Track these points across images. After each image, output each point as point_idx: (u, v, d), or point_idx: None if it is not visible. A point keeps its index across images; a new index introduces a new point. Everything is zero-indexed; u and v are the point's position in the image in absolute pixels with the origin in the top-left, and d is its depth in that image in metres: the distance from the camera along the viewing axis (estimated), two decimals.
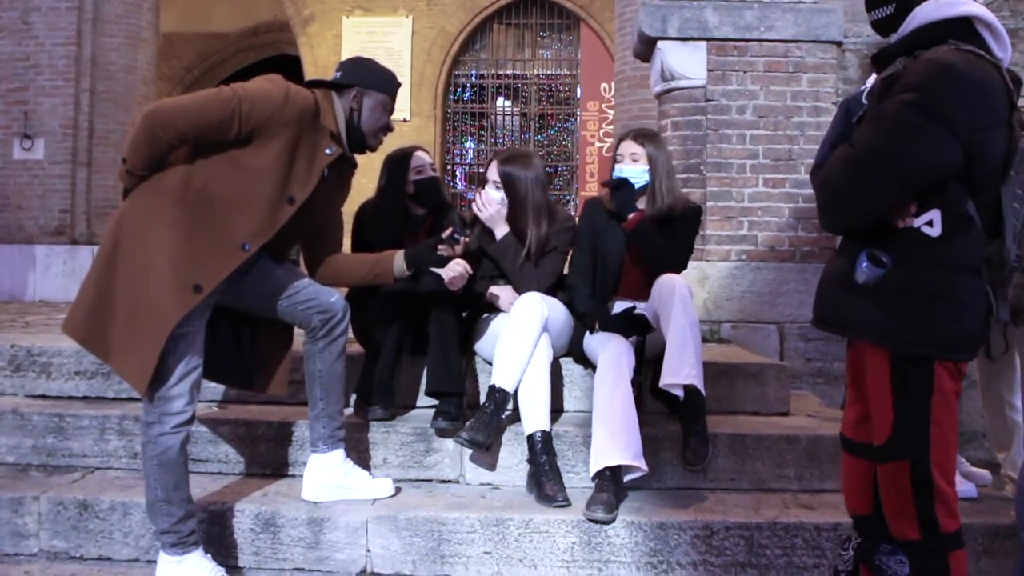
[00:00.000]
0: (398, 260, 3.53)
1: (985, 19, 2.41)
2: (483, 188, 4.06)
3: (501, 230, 3.97)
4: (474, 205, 4.04)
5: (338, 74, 3.40)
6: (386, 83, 3.42)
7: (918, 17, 2.46)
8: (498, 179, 3.98)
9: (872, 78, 2.89)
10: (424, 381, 3.96)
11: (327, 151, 3.24)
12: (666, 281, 3.68)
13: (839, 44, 5.50)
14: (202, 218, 3.03)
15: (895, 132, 2.33)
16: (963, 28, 2.40)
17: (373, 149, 3.45)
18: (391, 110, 3.45)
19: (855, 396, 2.63)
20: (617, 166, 3.98)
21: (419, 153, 4.17)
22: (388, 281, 3.58)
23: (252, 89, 3.10)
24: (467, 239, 3.68)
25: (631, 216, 3.87)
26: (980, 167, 2.33)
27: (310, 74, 14.68)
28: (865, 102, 2.59)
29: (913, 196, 2.36)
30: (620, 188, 3.87)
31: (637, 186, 3.92)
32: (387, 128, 3.45)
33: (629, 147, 3.96)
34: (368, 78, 3.38)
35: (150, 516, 3.11)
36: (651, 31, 5.46)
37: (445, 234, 3.56)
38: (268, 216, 3.11)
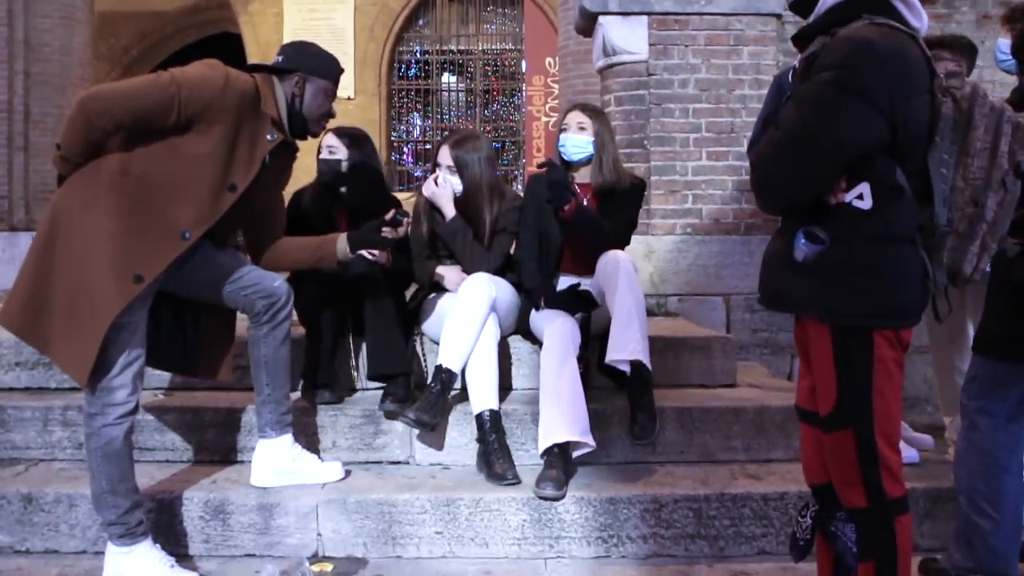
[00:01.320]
0: (341, 243, 3.49)
1: None
2: (435, 171, 4.05)
3: (449, 211, 3.96)
4: (424, 186, 4.04)
5: (279, 58, 3.35)
6: (329, 68, 3.38)
7: None
8: (451, 163, 3.98)
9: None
10: (364, 363, 3.94)
11: (268, 137, 3.19)
12: (610, 257, 3.70)
13: (779, 16, 5.54)
14: (141, 206, 2.97)
15: (817, 111, 2.36)
16: (876, 2, 2.43)
17: (315, 135, 3.42)
18: (333, 96, 3.41)
19: (805, 368, 2.67)
20: (563, 135, 3.99)
21: (327, 136, 4.09)
22: (331, 265, 3.53)
23: (191, 74, 3.04)
24: (409, 220, 3.67)
25: (567, 207, 3.82)
26: (905, 137, 2.36)
27: (252, 52, 14.50)
28: (791, 81, 2.62)
29: (842, 172, 2.39)
30: (553, 181, 3.84)
31: (583, 157, 3.95)
32: (329, 114, 3.41)
33: (576, 117, 3.98)
34: (310, 63, 3.34)
35: (96, 508, 3.08)
36: (592, 6, 5.46)
37: (388, 216, 3.54)
38: (209, 204, 3.07)
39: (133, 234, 2.95)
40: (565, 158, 3.97)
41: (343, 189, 4.11)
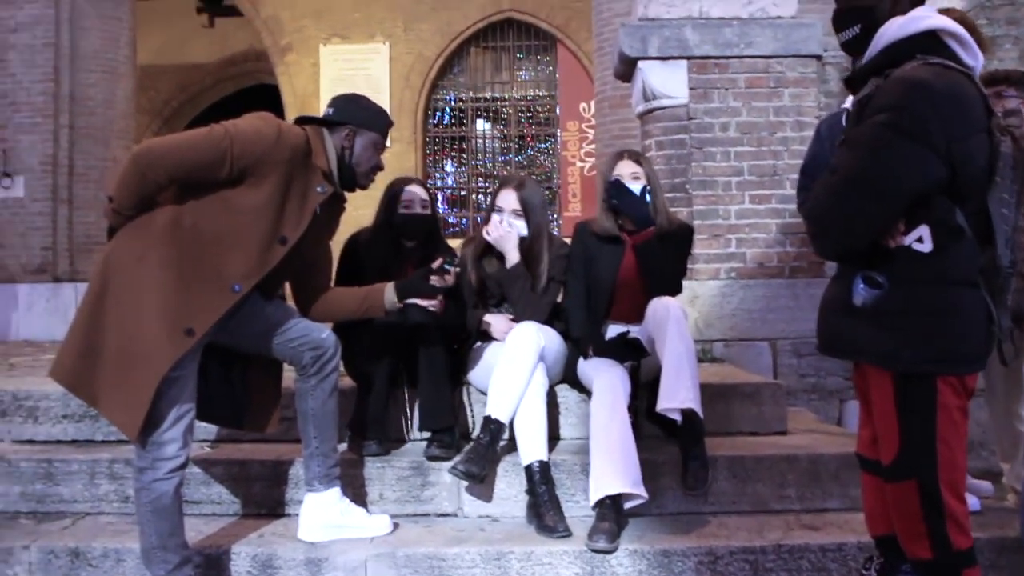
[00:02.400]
0: (389, 292, 3.48)
1: (950, 30, 2.43)
2: (489, 216, 4.03)
3: (513, 256, 3.94)
4: (484, 230, 4.03)
5: (330, 111, 3.35)
6: (379, 121, 3.39)
7: (885, 36, 2.47)
8: (518, 207, 3.97)
9: (849, 99, 2.89)
10: (417, 415, 3.92)
11: (319, 190, 3.19)
12: (660, 304, 3.65)
13: (819, 58, 5.52)
14: (192, 259, 2.98)
15: (872, 154, 2.34)
16: (930, 42, 2.42)
17: (364, 188, 3.41)
18: (383, 148, 3.41)
19: (866, 416, 2.61)
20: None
21: (410, 187, 4.11)
22: (379, 314, 3.52)
23: (243, 128, 3.05)
24: (457, 268, 3.65)
25: (646, 230, 3.82)
26: (964, 176, 2.33)
27: (288, 103, 14.68)
28: (844, 125, 2.59)
29: (900, 214, 2.35)
30: (642, 201, 3.84)
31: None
32: (378, 167, 3.41)
33: (628, 167, 3.95)
34: (361, 116, 3.34)
35: (145, 563, 3.05)
36: (632, 51, 5.46)
37: (435, 264, 3.52)
38: (260, 257, 3.07)
39: (184, 287, 2.95)
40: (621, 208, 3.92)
41: (410, 243, 4.12)
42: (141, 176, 2.93)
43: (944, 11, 3.35)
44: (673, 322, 3.52)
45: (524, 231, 3.96)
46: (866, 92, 2.47)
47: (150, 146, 2.99)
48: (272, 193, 3.05)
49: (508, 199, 3.99)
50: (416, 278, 3.53)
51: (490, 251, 4.03)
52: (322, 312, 3.49)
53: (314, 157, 3.18)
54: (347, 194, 3.45)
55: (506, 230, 3.94)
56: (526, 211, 3.96)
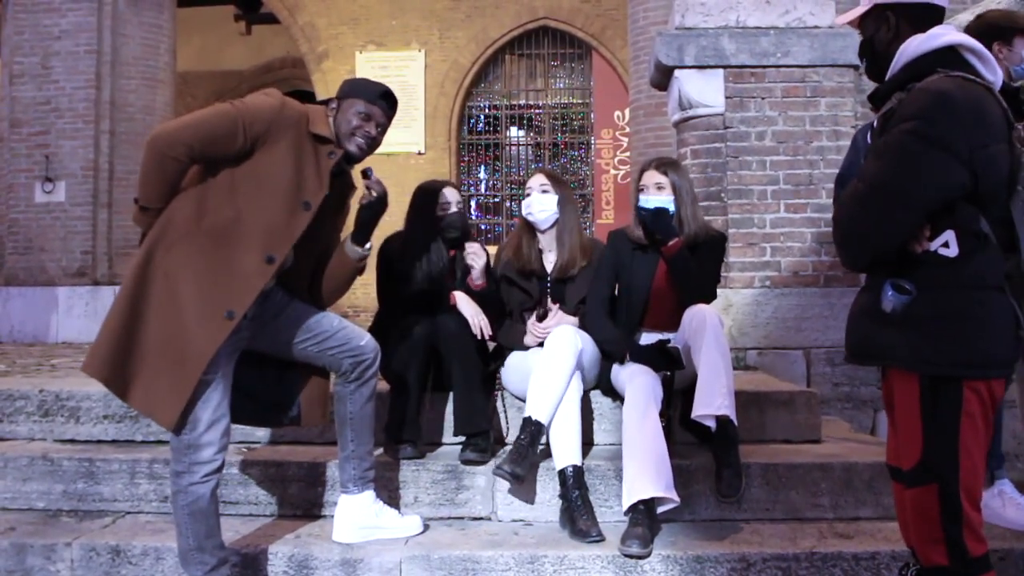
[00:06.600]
0: (348, 245, 3.42)
1: (969, 46, 2.47)
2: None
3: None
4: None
5: None
6: (359, 89, 3.31)
7: (905, 53, 2.51)
8: (545, 181, 4.20)
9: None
10: (452, 419, 3.97)
11: (329, 155, 3.18)
12: (696, 312, 3.66)
13: (856, 68, 5.49)
14: (222, 242, 2.99)
15: (899, 162, 2.37)
16: (950, 57, 2.46)
17: (352, 157, 3.28)
18: (369, 117, 3.27)
19: (894, 427, 2.62)
20: (642, 196, 3.96)
21: (446, 190, 4.15)
22: (354, 267, 3.44)
23: (249, 99, 3.10)
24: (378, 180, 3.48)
25: (671, 242, 3.82)
26: (986, 184, 2.36)
27: None
28: (868, 140, 2.63)
29: (925, 220, 2.37)
30: (659, 216, 3.84)
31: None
32: (367, 136, 3.27)
33: (653, 177, 3.95)
34: (346, 88, 3.33)
35: (183, 564, 3.08)
36: (668, 60, 5.47)
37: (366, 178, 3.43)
38: (286, 223, 3.06)
39: (217, 271, 2.96)
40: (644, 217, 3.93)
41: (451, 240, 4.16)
42: (161, 159, 2.93)
43: (991, 12, 3.38)
44: (709, 330, 3.54)
45: (555, 205, 4.11)
46: (890, 106, 2.50)
47: (164, 127, 3.00)
48: (286, 157, 3.06)
49: (537, 178, 4.19)
50: (358, 220, 3.45)
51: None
52: (328, 295, 3.47)
53: (312, 125, 3.16)
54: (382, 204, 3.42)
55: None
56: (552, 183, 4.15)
